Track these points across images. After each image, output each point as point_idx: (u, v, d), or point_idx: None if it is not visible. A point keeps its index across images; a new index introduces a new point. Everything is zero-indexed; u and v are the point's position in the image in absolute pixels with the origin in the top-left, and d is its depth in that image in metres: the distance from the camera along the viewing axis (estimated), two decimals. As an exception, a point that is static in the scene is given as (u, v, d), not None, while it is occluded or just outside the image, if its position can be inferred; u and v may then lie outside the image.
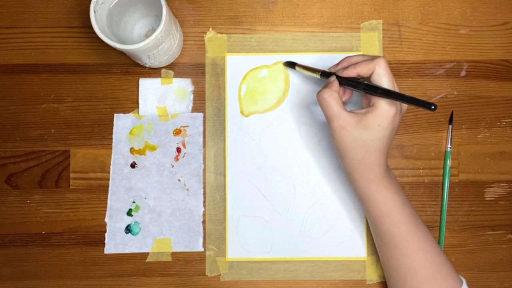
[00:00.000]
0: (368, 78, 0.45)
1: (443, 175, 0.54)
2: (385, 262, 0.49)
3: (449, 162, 0.54)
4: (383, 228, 0.47)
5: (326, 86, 0.46)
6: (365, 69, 0.45)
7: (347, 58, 0.48)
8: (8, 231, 0.54)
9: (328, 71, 0.49)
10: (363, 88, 0.44)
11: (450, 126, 0.54)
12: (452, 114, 0.54)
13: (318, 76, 0.50)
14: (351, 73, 0.46)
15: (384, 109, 0.44)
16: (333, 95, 0.45)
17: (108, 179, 0.54)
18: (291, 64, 0.54)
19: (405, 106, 0.47)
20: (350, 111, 0.45)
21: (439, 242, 0.54)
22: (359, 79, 0.46)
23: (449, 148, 0.54)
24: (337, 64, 0.48)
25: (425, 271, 0.46)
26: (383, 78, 0.44)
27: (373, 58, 0.45)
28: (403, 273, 0.47)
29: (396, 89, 0.45)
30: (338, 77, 0.47)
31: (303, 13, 0.56)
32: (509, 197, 0.54)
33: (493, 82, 0.55)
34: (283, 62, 0.55)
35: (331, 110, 0.45)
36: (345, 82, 0.46)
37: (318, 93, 0.46)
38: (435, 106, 0.39)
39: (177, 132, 0.55)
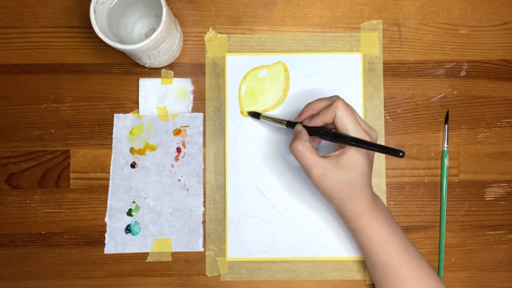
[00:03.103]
0: (332, 124, 0.46)
1: (441, 175, 0.54)
2: None
3: (446, 162, 0.54)
4: (376, 258, 0.48)
5: (296, 137, 0.47)
6: (328, 116, 0.46)
7: (308, 105, 0.48)
8: (8, 231, 0.54)
9: (294, 121, 0.50)
10: (331, 137, 0.45)
11: (446, 126, 0.54)
12: (447, 114, 0.54)
13: (284, 126, 0.50)
14: (317, 122, 0.47)
15: (352, 149, 0.45)
16: (305, 145, 0.45)
17: (108, 179, 0.54)
18: (255, 115, 0.54)
19: (376, 135, 0.48)
20: (324, 156, 0.46)
21: (439, 242, 0.54)
22: (326, 127, 0.47)
23: (445, 148, 0.54)
24: (301, 113, 0.49)
25: None
26: (345, 119, 0.45)
27: (331, 101, 0.46)
28: None
29: (362, 125, 0.46)
30: (305, 127, 0.47)
31: (303, 13, 0.56)
32: (509, 197, 0.54)
33: (493, 82, 0.55)
34: (247, 111, 0.55)
35: (307, 160, 0.45)
36: (312, 132, 0.47)
37: (291, 145, 0.46)
38: (403, 153, 0.40)
39: (177, 132, 0.55)
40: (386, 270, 0.47)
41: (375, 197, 0.48)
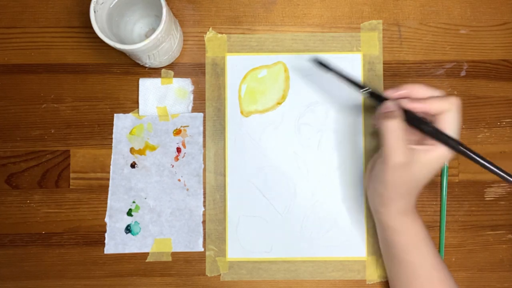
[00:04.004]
0: (430, 115, 0.43)
1: (441, 175, 0.54)
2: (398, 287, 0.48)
3: (446, 162, 0.54)
4: (408, 258, 0.46)
5: (390, 113, 0.42)
6: (435, 107, 0.42)
7: (409, 86, 0.44)
8: (8, 231, 0.54)
9: (380, 93, 0.45)
10: (429, 131, 0.42)
11: (447, 126, 0.54)
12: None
13: (362, 92, 0.46)
14: (417, 107, 0.42)
15: (445, 150, 0.42)
16: (402, 126, 0.41)
17: (108, 179, 0.54)
18: (322, 65, 0.48)
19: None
20: (409, 147, 0.42)
21: (439, 242, 0.54)
22: (424, 118, 0.43)
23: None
24: (395, 89, 0.44)
25: None
26: (453, 124, 0.41)
27: (445, 96, 0.42)
28: None
29: (458, 133, 0.42)
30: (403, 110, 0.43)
31: (303, 13, 0.56)
32: (509, 197, 0.54)
33: (493, 82, 0.55)
34: (312, 59, 0.49)
35: (396, 143, 0.41)
36: (409, 116, 0.43)
37: (384, 120, 0.42)
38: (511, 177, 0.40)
39: (177, 132, 0.55)
40: (415, 271, 0.46)
41: (415, 208, 0.47)
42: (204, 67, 0.55)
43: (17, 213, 0.54)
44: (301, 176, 0.54)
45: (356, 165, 0.54)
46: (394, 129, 0.42)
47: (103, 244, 0.54)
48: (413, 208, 0.46)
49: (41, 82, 0.55)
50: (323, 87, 0.55)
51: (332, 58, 0.55)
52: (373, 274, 0.53)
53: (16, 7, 0.56)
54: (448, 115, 0.42)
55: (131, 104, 0.55)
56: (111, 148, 0.54)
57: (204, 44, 0.55)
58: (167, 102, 0.54)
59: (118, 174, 0.54)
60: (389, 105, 0.43)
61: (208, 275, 0.54)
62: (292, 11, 0.56)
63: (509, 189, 0.54)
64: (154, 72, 0.55)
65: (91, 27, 0.46)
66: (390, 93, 0.45)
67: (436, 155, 0.42)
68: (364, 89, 0.46)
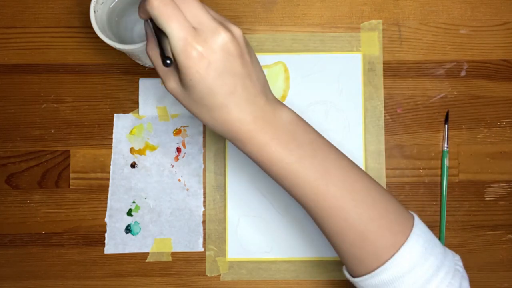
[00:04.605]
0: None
1: (441, 175, 0.54)
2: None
3: (446, 162, 0.54)
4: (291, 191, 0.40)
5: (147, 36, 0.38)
6: (145, 12, 0.35)
7: None
8: (8, 231, 0.54)
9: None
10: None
11: (446, 126, 0.54)
12: (447, 113, 0.54)
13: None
14: (141, 15, 0.37)
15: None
16: (154, 47, 0.37)
17: (108, 179, 0.54)
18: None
19: (237, 31, 0.36)
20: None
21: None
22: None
23: (445, 148, 0.54)
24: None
25: (370, 232, 0.38)
26: (160, 25, 0.34)
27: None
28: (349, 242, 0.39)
29: (182, 24, 0.34)
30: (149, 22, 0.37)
31: (303, 13, 0.56)
32: (509, 197, 0.54)
33: (493, 82, 0.55)
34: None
35: (159, 67, 0.37)
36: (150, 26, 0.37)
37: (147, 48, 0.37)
38: (171, 61, 0.33)
39: (177, 132, 0.55)
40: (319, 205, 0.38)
41: (271, 113, 0.38)
42: (204, 67, 0.55)
43: (17, 213, 0.54)
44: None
45: (356, 165, 0.54)
46: (150, 52, 0.37)
47: (103, 244, 0.54)
48: (273, 104, 0.38)
49: (41, 82, 0.55)
50: (323, 87, 0.55)
51: (332, 58, 0.55)
52: (373, 274, 0.53)
53: (16, 7, 0.56)
54: (152, 16, 0.34)
55: (131, 104, 0.55)
56: (111, 148, 0.54)
57: (204, 44, 0.55)
58: (167, 102, 0.54)
59: (118, 174, 0.54)
60: (145, 24, 0.38)
61: (208, 275, 0.54)
62: (292, 11, 0.56)
63: (509, 189, 0.54)
64: (154, 72, 0.55)
65: (91, 27, 0.46)
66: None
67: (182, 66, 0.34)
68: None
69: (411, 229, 0.38)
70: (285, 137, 0.38)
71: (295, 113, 0.41)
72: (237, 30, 0.37)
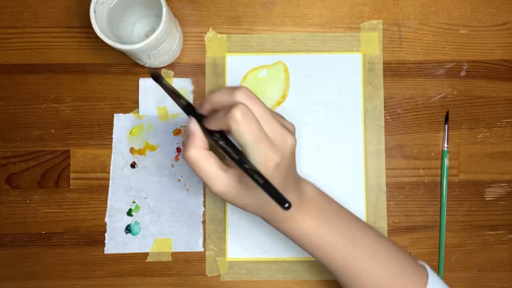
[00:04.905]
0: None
1: (441, 175, 0.54)
2: None
3: (446, 162, 0.54)
4: (324, 260, 0.42)
5: (190, 140, 0.37)
6: (223, 125, 0.35)
7: (209, 95, 0.37)
8: (8, 231, 0.54)
9: (196, 109, 0.38)
10: (228, 154, 0.36)
11: (446, 126, 0.54)
12: (447, 113, 0.54)
13: (181, 108, 0.39)
14: (211, 126, 0.36)
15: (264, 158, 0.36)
16: (201, 153, 0.37)
17: (108, 179, 0.54)
18: (156, 76, 0.39)
19: (293, 141, 0.38)
20: (229, 165, 0.38)
21: (439, 242, 0.54)
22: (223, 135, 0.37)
23: (445, 148, 0.54)
24: (204, 102, 0.38)
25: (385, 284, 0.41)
26: (243, 138, 0.35)
27: (231, 102, 0.35)
28: None
29: (265, 139, 0.35)
30: (201, 125, 0.37)
31: (303, 13, 0.56)
32: (509, 197, 0.54)
33: (493, 82, 0.55)
34: (148, 71, 0.40)
35: (204, 173, 0.37)
36: (209, 135, 0.37)
37: (185, 153, 0.37)
38: (289, 205, 0.33)
39: (177, 132, 0.55)
40: (344, 271, 0.42)
41: (301, 191, 0.41)
42: (204, 67, 0.55)
43: (17, 213, 0.54)
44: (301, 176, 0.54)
45: (356, 165, 0.54)
46: (192, 158, 0.37)
47: (103, 244, 0.54)
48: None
49: (41, 82, 0.55)
50: (323, 87, 0.55)
51: (332, 58, 0.55)
52: (373, 274, 0.53)
53: (16, 7, 0.56)
54: (235, 132, 0.35)
55: (131, 104, 0.55)
56: (111, 148, 0.54)
57: (204, 44, 0.55)
58: (167, 102, 0.54)
59: (118, 174, 0.54)
60: (189, 126, 0.37)
61: (208, 275, 0.54)
62: (292, 11, 0.56)
63: (509, 189, 0.54)
64: (154, 72, 0.55)
65: (91, 27, 0.46)
66: (201, 108, 0.38)
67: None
68: (185, 107, 0.39)
69: (427, 278, 0.42)
70: (315, 210, 0.41)
71: (314, 184, 0.44)
72: (292, 127, 0.40)
